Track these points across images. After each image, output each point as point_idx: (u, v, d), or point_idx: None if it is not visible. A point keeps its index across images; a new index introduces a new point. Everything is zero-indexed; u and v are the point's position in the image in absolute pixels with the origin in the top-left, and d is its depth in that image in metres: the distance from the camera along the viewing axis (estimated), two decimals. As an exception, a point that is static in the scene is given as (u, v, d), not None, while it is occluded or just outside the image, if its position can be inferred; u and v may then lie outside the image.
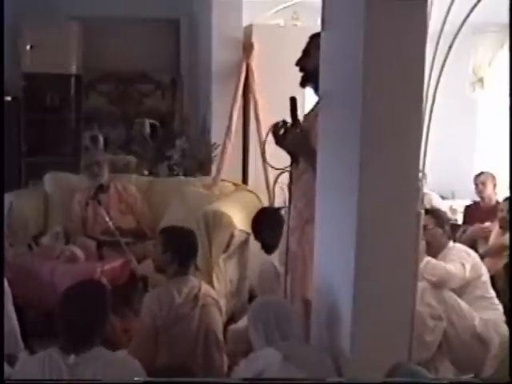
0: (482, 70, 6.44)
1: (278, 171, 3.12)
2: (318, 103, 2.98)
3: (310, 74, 2.89)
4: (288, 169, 3.00)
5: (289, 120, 2.87)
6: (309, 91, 3.05)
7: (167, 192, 4.74)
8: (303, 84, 3.00)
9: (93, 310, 2.38)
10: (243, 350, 3.00)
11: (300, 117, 2.91)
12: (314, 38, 2.88)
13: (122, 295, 3.82)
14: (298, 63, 2.98)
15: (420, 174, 2.52)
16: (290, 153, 2.93)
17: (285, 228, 3.05)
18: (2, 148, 3.82)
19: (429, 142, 2.63)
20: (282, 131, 2.89)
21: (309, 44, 2.96)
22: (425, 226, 3.30)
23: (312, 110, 3.02)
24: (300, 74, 3.01)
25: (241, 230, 4.17)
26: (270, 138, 2.97)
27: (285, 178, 3.14)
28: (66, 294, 2.44)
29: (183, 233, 3.25)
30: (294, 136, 2.83)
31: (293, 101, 2.80)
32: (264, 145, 3.02)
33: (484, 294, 3.54)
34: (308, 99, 3.09)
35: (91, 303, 2.39)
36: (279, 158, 3.05)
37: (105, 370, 2.29)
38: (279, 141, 2.92)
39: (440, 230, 3.64)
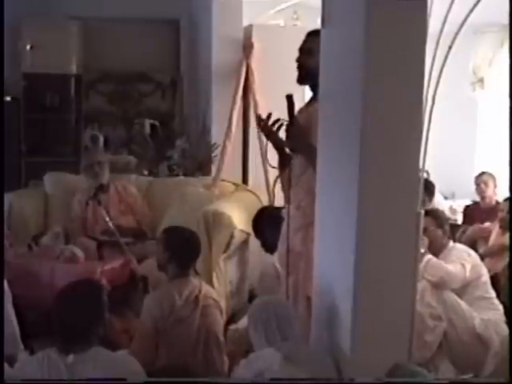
0: (482, 70, 6.45)
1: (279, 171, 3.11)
2: (312, 99, 2.99)
3: (309, 72, 2.89)
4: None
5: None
6: (307, 88, 3.06)
7: (167, 192, 4.74)
8: (302, 81, 3.00)
9: (88, 309, 2.36)
10: (243, 350, 3.00)
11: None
12: (313, 35, 2.88)
13: (122, 295, 3.82)
14: (298, 60, 2.98)
15: (422, 174, 2.52)
16: (290, 150, 2.93)
17: (284, 228, 3.03)
18: (2, 148, 3.81)
19: (429, 142, 2.63)
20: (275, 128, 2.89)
21: (308, 42, 2.95)
22: (425, 228, 3.30)
23: (306, 106, 3.02)
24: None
25: (241, 230, 4.17)
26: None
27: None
28: (61, 294, 2.43)
29: (184, 234, 3.24)
30: (292, 133, 2.82)
31: (289, 98, 2.80)
32: (266, 145, 3.00)
33: (484, 294, 3.53)
34: (308, 96, 3.09)
35: (86, 303, 2.38)
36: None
37: (104, 369, 2.28)
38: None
39: (440, 231, 3.64)
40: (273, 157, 3.08)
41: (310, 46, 2.93)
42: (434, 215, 3.68)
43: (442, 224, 3.67)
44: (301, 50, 3.01)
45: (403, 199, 2.33)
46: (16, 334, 3.31)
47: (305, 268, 2.92)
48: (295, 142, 2.85)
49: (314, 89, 2.93)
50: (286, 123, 2.84)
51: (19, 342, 3.31)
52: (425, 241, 3.37)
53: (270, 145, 3.01)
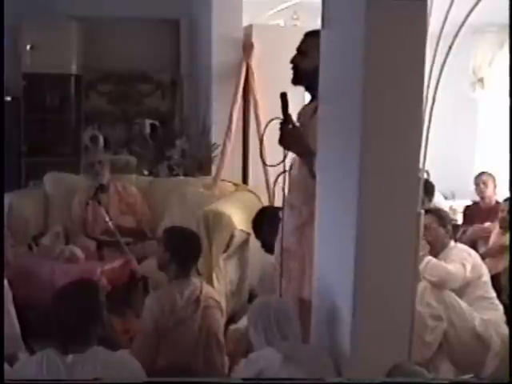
0: (482, 70, 6.45)
1: (279, 171, 3.11)
2: (311, 101, 2.99)
3: (304, 73, 2.88)
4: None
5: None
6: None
7: (167, 192, 4.74)
8: (295, 82, 3.00)
9: (86, 309, 2.36)
10: (243, 350, 3.00)
11: (295, 113, 2.90)
12: (310, 36, 2.88)
13: (122, 295, 3.83)
14: (292, 61, 2.97)
15: (422, 174, 2.52)
16: (284, 149, 2.91)
17: (280, 229, 3.02)
18: (2, 148, 3.82)
19: (429, 142, 2.63)
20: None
21: (305, 43, 2.95)
22: (427, 226, 3.30)
23: (306, 107, 3.02)
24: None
25: (241, 230, 4.17)
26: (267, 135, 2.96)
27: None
28: (58, 294, 2.43)
29: (185, 235, 3.24)
30: (287, 132, 2.81)
31: (283, 96, 2.80)
32: (261, 142, 3.00)
33: (484, 294, 3.54)
34: (308, 96, 3.08)
35: (83, 302, 2.38)
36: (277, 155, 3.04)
37: (103, 369, 2.28)
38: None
39: (442, 229, 3.64)
40: (272, 155, 3.07)
41: (304, 48, 2.93)
42: (437, 214, 3.69)
43: (444, 223, 3.67)
44: (296, 50, 3.01)
45: (403, 199, 2.33)
46: (17, 333, 3.31)
47: (298, 269, 2.91)
48: (289, 140, 2.84)
49: (310, 90, 2.94)
50: (280, 121, 2.83)
51: (21, 341, 3.31)
52: (425, 246, 3.37)
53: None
